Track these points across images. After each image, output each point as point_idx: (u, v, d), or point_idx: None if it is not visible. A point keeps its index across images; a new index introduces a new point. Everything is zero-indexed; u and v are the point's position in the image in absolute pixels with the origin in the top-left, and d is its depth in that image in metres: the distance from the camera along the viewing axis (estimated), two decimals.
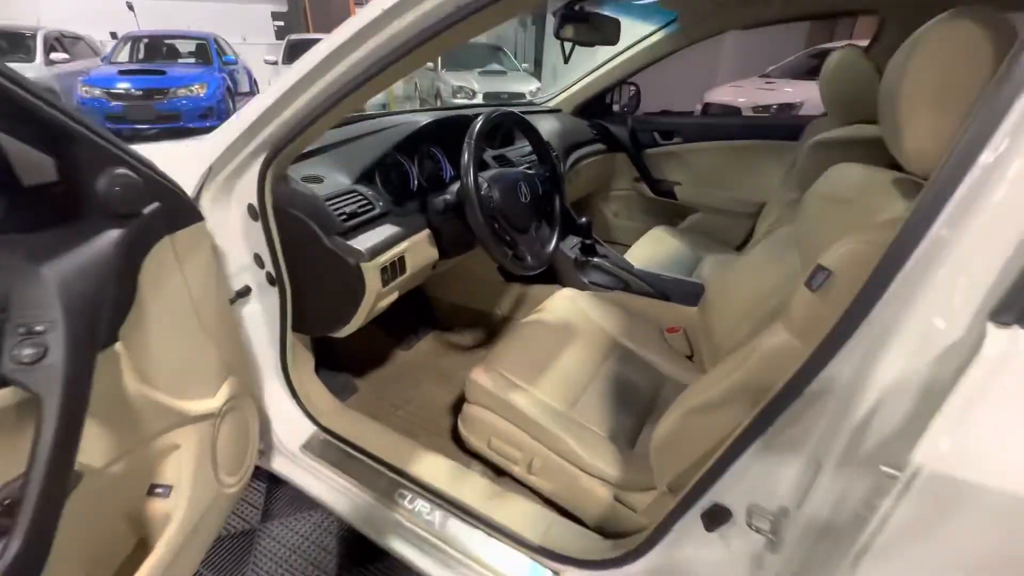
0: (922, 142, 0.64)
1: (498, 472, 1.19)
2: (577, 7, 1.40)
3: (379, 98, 7.50)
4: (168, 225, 0.80)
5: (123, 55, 6.77)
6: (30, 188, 0.59)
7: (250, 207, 1.00)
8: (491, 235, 1.13)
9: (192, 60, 7.00)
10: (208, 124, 5.97)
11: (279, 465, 1.24)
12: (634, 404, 1.16)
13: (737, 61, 8.47)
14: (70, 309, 0.57)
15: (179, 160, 1.00)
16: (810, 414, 0.55)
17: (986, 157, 0.41)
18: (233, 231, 1.05)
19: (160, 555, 0.79)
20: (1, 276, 0.57)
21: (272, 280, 1.08)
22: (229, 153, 0.96)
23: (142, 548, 0.84)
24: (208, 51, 6.95)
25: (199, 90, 6.03)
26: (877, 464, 0.46)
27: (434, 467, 1.13)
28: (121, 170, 0.68)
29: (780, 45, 8.28)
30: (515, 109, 1.41)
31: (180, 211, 0.84)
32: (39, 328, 0.55)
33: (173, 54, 7.19)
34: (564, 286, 1.56)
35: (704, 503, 0.69)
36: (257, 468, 1.25)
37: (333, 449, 1.20)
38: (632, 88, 2.29)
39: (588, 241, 1.58)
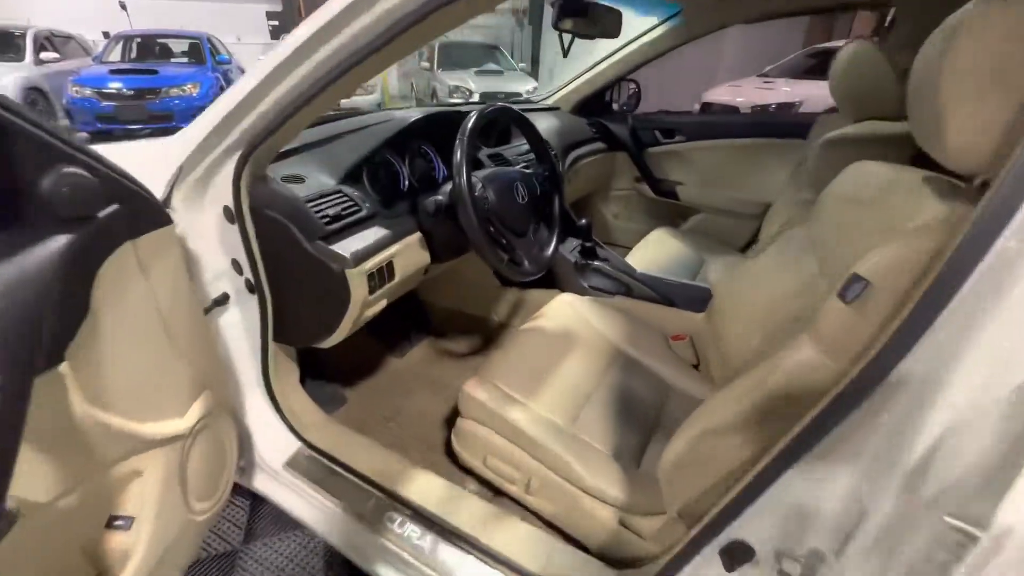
0: (969, 137, 0.57)
1: (495, 491, 1.12)
2: None
3: (375, 97, 7.44)
4: (130, 229, 0.73)
5: (115, 54, 6.67)
6: None
7: (226, 209, 0.93)
8: (486, 238, 1.06)
9: (185, 60, 6.91)
10: None
11: (261, 483, 1.16)
12: (638, 418, 1.09)
13: (734, 61, 8.43)
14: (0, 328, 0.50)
15: (147, 160, 0.92)
16: (851, 445, 0.48)
17: None
18: (209, 235, 0.97)
19: None
20: None
21: (251, 287, 1.01)
22: (200, 151, 0.88)
23: None
24: (201, 50, 6.86)
25: (192, 90, 5.94)
26: (941, 513, 0.39)
27: (426, 486, 1.06)
28: (71, 169, 0.61)
29: (778, 45, 8.26)
30: (512, 106, 1.33)
31: (144, 214, 0.76)
32: None
33: (166, 53, 7.09)
34: (563, 291, 1.49)
35: (723, 539, 0.62)
36: (239, 485, 1.18)
37: (318, 466, 1.13)
38: (632, 86, 2.22)
39: (588, 244, 1.51)
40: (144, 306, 0.77)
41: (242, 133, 0.85)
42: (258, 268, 0.98)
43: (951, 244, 0.42)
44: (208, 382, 0.93)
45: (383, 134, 1.23)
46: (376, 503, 1.04)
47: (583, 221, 1.49)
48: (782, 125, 1.97)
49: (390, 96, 9.61)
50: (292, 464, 1.13)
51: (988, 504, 0.36)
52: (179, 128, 0.94)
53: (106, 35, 7.59)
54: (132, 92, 5.72)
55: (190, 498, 0.85)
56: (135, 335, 0.74)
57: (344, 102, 6.80)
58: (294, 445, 1.16)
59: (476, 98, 6.74)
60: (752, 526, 0.58)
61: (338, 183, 1.09)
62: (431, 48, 8.32)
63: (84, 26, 8.54)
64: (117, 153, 1.05)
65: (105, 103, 5.64)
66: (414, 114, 1.33)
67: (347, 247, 0.98)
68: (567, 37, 1.34)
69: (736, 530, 0.60)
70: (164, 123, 5.75)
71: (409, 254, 1.13)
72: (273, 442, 1.16)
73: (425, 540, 0.96)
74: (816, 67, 6.44)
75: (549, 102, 2.19)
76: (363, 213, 1.06)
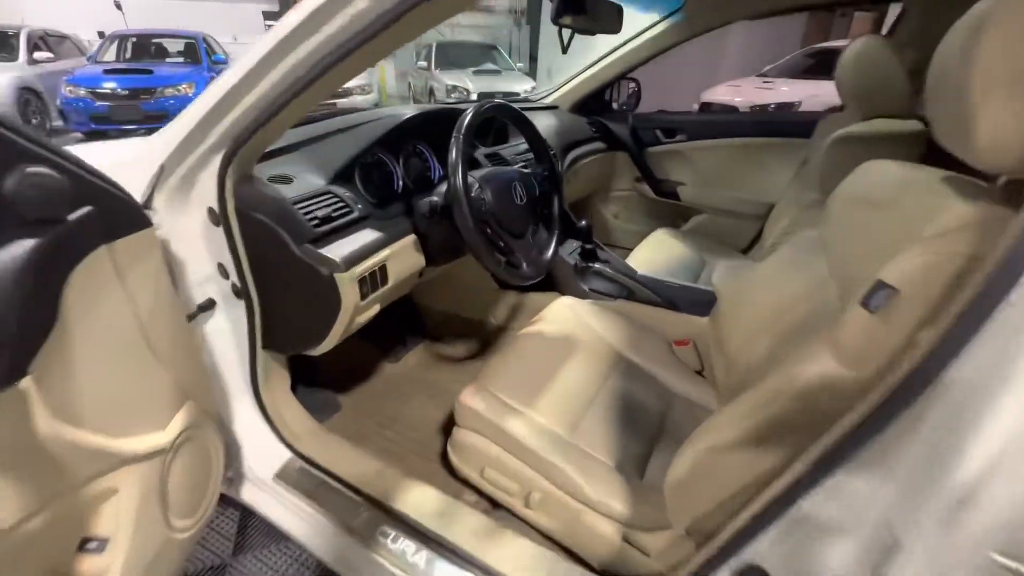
0: (999, 135, 0.53)
1: (493, 503, 1.08)
2: None
3: (372, 98, 7.40)
4: (105, 232, 0.69)
5: (109, 54, 6.61)
6: None
7: (210, 211, 0.89)
8: (483, 241, 1.02)
9: (181, 59, 6.86)
10: None
11: (249, 495, 1.12)
12: (641, 426, 1.05)
13: (731, 61, 8.42)
14: None
15: (126, 159, 0.88)
16: (883, 465, 0.43)
17: None
18: (193, 238, 0.93)
19: None
20: None
21: (238, 292, 0.97)
22: (183, 149, 0.84)
23: None
24: (197, 50, 6.80)
25: (187, 89, 5.89)
26: (988, 550, 0.35)
27: (421, 500, 1.02)
28: (36, 168, 0.57)
29: (775, 45, 8.25)
30: (509, 103, 1.29)
31: (121, 216, 0.72)
32: None
33: (161, 53, 7.04)
34: (563, 294, 1.45)
35: (736, 563, 0.58)
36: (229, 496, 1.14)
37: (309, 477, 1.09)
38: (632, 84, 2.18)
39: (588, 246, 1.47)
40: (120, 314, 0.72)
41: (225, 130, 0.80)
42: (244, 273, 0.94)
43: (990, 246, 0.39)
44: (192, 392, 0.89)
45: (376, 132, 1.18)
46: (368, 517, 1.00)
47: (583, 222, 1.45)
48: (785, 124, 1.93)
49: (387, 96, 9.57)
50: (282, 475, 1.09)
51: None
52: None
53: (101, 35, 7.56)
54: (127, 92, 5.68)
55: (171, 515, 0.81)
56: (110, 345, 0.70)
57: (341, 102, 6.75)
58: (284, 455, 1.12)
59: (474, 98, 6.70)
60: (768, 550, 0.54)
61: (328, 183, 1.05)
62: (428, 48, 8.29)
63: (79, 26, 8.50)
64: (94, 153, 1.01)
65: (99, 103, 5.59)
66: (408, 112, 1.28)
67: (337, 250, 0.94)
68: (567, 33, 1.30)
69: (751, 554, 0.56)
70: (159, 123, 5.59)
71: (403, 257, 1.09)
72: (262, 452, 1.11)
73: (420, 557, 0.92)
74: (814, 67, 6.47)
75: (548, 101, 2.15)
76: (354, 215, 1.02)
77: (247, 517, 1.32)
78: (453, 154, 0.98)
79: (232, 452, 1.11)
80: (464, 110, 1.07)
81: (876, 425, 0.43)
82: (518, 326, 1.69)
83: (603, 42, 2.00)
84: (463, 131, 0.99)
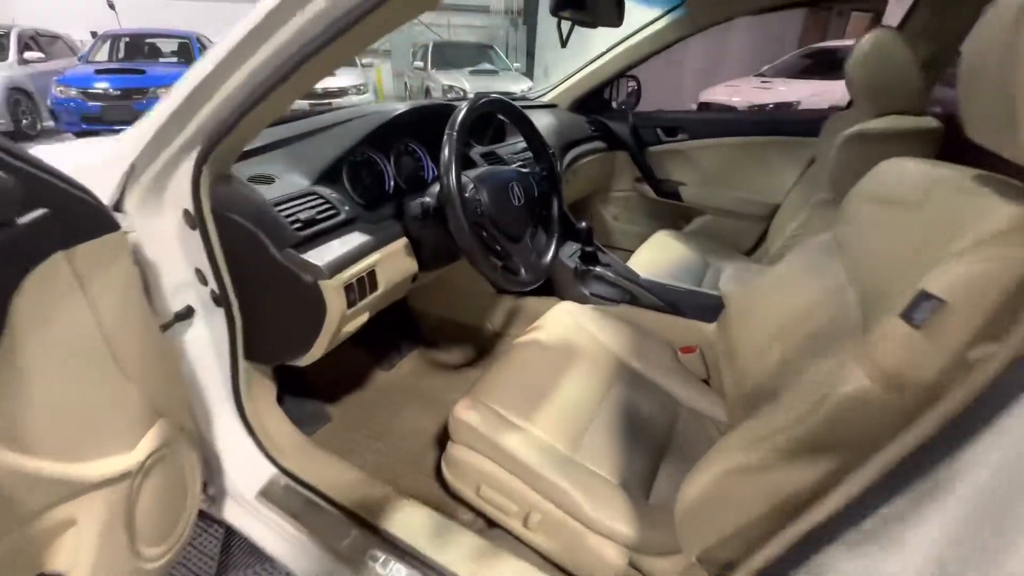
0: None
1: (490, 522, 1.02)
2: None
3: (367, 98, 7.34)
4: (63, 237, 0.63)
5: (101, 54, 6.52)
6: None
7: (186, 213, 0.83)
8: (478, 244, 0.95)
9: (174, 59, 6.79)
10: None
11: (231, 514, 1.06)
12: (647, 440, 0.99)
13: (727, 61, 8.41)
14: None
15: (94, 159, 0.82)
16: (939, 511, 0.38)
17: None
18: (168, 242, 0.87)
19: None
20: None
21: (217, 300, 0.90)
22: (153, 147, 0.78)
23: None
24: (191, 50, 6.73)
25: None
26: None
27: (413, 519, 0.96)
28: None
29: (773, 45, 8.24)
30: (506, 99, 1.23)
31: (83, 219, 0.66)
32: None
33: (155, 53, 6.96)
34: (563, 299, 1.39)
35: None
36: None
37: (294, 496, 1.02)
38: (632, 82, 2.12)
39: (589, 248, 1.41)
40: (81, 326, 0.66)
41: (199, 127, 0.74)
42: (223, 279, 0.87)
43: None
44: (166, 407, 0.83)
45: (364, 129, 1.12)
46: (356, 538, 0.94)
47: (583, 224, 1.39)
48: (790, 122, 1.88)
49: (384, 96, 9.51)
50: (266, 493, 1.03)
51: None
52: None
53: (94, 35, 7.45)
54: (119, 92, 5.60)
55: (140, 544, 0.75)
56: (68, 360, 0.64)
57: (337, 102, 6.69)
58: (268, 471, 1.06)
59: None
60: None
61: (313, 184, 0.99)
62: (425, 48, 8.24)
63: (71, 26, 8.40)
64: (58, 153, 0.95)
65: (91, 103, 5.51)
66: (399, 107, 1.22)
67: (321, 255, 0.87)
68: (566, 27, 1.25)
69: None
70: None
71: (394, 262, 1.02)
72: (245, 469, 1.05)
73: None
74: (812, 67, 6.49)
75: (546, 99, 2.09)
76: (341, 217, 0.96)
77: (231, 535, 1.25)
78: (446, 152, 0.91)
79: (213, 469, 1.05)
80: (459, 106, 1.02)
81: (930, 458, 0.38)
82: (516, 332, 1.63)
83: (602, 41, 1.96)
84: (456, 127, 0.93)
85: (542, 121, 1.77)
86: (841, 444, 0.52)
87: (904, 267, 0.66)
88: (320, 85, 6.50)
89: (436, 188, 1.05)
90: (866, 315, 0.71)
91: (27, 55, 6.20)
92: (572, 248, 1.45)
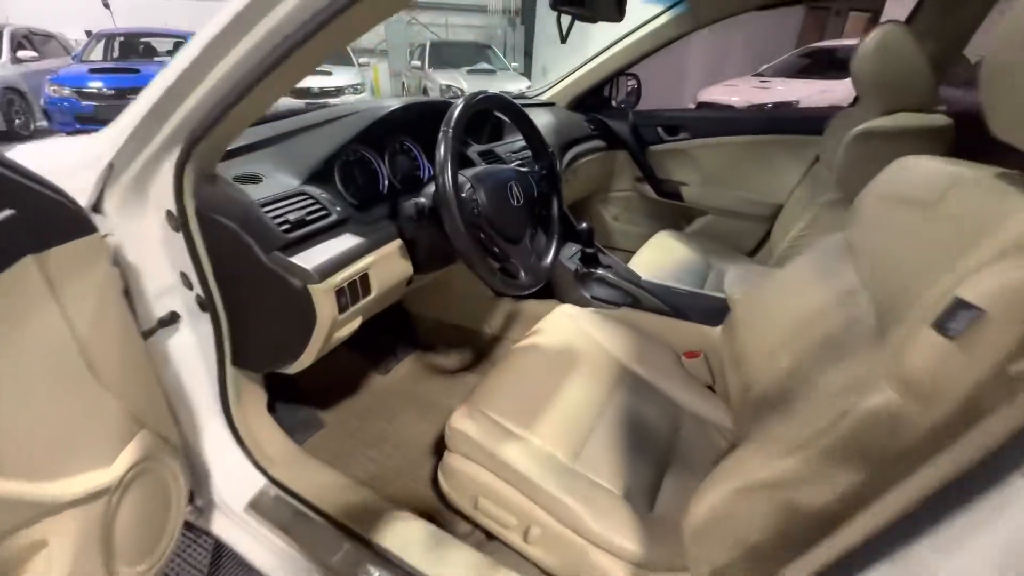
0: None
1: (488, 535, 0.98)
2: None
3: (365, 97, 7.29)
4: (34, 241, 0.59)
5: (96, 53, 6.46)
6: None
7: (169, 214, 0.79)
8: (475, 247, 0.92)
9: (169, 59, 6.70)
10: None
11: (219, 527, 1.02)
12: (650, 448, 0.95)
13: (724, 62, 8.41)
14: None
15: (70, 158, 0.78)
16: (980, 540, 0.34)
17: None
18: (151, 244, 0.83)
19: None
20: None
21: (203, 305, 0.87)
22: (133, 145, 0.74)
23: None
24: None
25: None
26: None
27: (408, 533, 0.92)
28: None
29: (770, 45, 8.24)
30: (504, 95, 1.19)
31: (55, 221, 0.63)
32: None
33: (150, 52, 6.89)
34: (563, 302, 1.35)
35: None
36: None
37: (285, 508, 0.99)
38: (632, 81, 2.09)
39: (589, 250, 1.38)
40: (54, 334, 0.62)
41: (180, 123, 0.71)
42: (209, 283, 0.84)
43: None
44: (148, 418, 0.79)
45: (357, 127, 1.08)
46: (348, 552, 0.90)
47: (583, 225, 1.35)
48: (793, 120, 1.84)
49: (381, 96, 9.46)
50: (255, 505, 0.99)
51: None
52: None
53: (89, 34, 7.40)
54: (113, 92, 5.53)
55: (118, 564, 0.71)
56: (38, 371, 0.60)
57: (333, 102, 6.64)
58: (258, 482, 1.02)
59: None
60: None
61: (303, 183, 0.95)
62: (422, 47, 8.21)
63: (66, 25, 8.34)
64: (33, 152, 0.91)
65: (85, 103, 5.44)
66: (393, 103, 1.18)
67: (311, 258, 0.83)
68: (566, 22, 1.21)
69: None
70: None
71: (388, 265, 0.99)
72: (234, 479, 1.01)
73: None
74: (811, 66, 6.50)
75: (544, 97, 2.05)
76: (332, 218, 0.92)
77: (221, 547, 1.21)
78: (441, 150, 0.88)
79: (201, 479, 1.01)
80: (455, 103, 0.98)
81: (974, 484, 0.34)
82: (515, 335, 1.59)
83: (603, 37, 1.92)
84: (452, 124, 0.89)
85: (541, 119, 1.73)
86: (865, 460, 0.49)
87: (922, 271, 0.62)
88: (316, 84, 6.46)
89: (432, 188, 1.01)
90: (881, 320, 0.67)
91: (20, 54, 6.14)
92: (572, 250, 1.41)
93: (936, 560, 0.36)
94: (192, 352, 0.93)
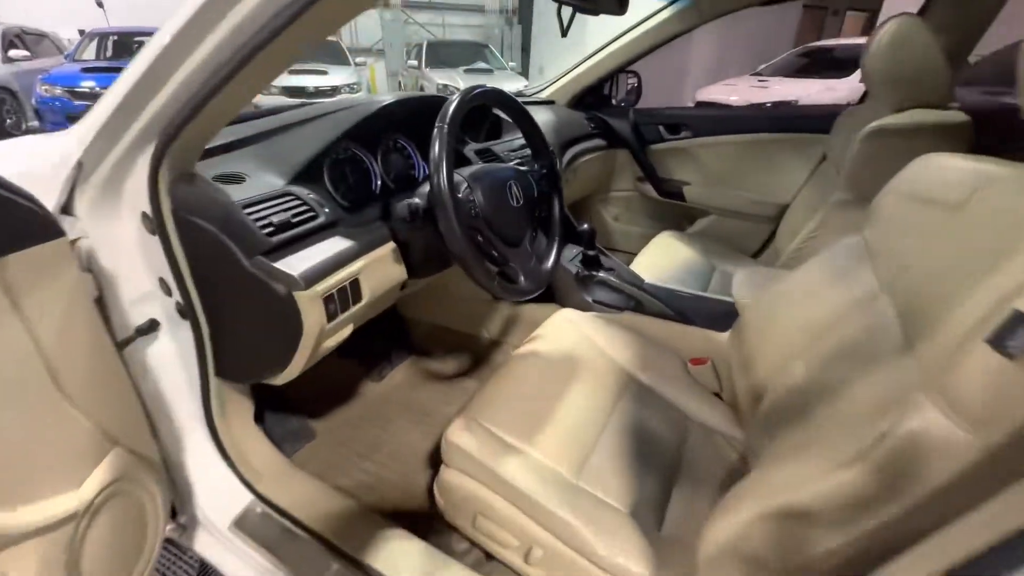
0: None
1: (488, 554, 0.93)
2: None
3: (361, 96, 7.24)
4: None
5: (88, 53, 6.39)
6: None
7: (144, 216, 0.74)
8: (472, 250, 0.86)
9: None
10: None
11: (203, 546, 0.97)
12: (657, 460, 0.91)
13: (720, 62, 8.39)
14: None
15: (35, 158, 0.73)
16: None
17: None
18: (127, 248, 0.78)
19: None
20: None
21: (184, 312, 0.81)
22: (103, 142, 0.69)
23: None
24: None
25: None
26: None
27: (402, 552, 0.87)
28: None
29: (767, 45, 8.23)
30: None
31: (14, 224, 0.57)
32: None
33: None
34: (564, 306, 1.30)
35: None
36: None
37: (272, 526, 0.94)
38: (633, 78, 2.04)
39: (591, 252, 1.33)
40: (12, 346, 0.57)
41: (153, 117, 0.65)
42: (188, 289, 0.78)
43: None
44: (123, 434, 0.74)
45: (347, 123, 1.02)
46: (338, 574, 0.85)
47: (585, 226, 1.30)
48: (798, 118, 1.80)
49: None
50: (241, 524, 0.94)
51: None
52: None
53: (82, 33, 7.33)
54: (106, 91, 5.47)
55: None
56: None
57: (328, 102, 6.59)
58: (244, 499, 0.97)
59: None
60: None
61: (288, 183, 0.90)
62: (419, 47, 8.16)
63: (59, 24, 8.25)
64: None
65: (78, 102, 5.38)
66: (386, 98, 1.13)
67: (297, 263, 0.78)
68: (566, 15, 1.16)
69: None
70: None
71: (380, 269, 0.93)
72: (219, 496, 0.96)
73: None
74: (809, 66, 6.50)
75: (544, 95, 2.01)
76: (320, 220, 0.86)
77: (208, 564, 1.16)
78: (436, 147, 0.82)
79: (184, 495, 0.96)
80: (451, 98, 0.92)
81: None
82: (514, 340, 1.54)
83: (598, 39, 1.88)
84: (448, 119, 0.84)
85: (540, 117, 1.67)
86: (906, 489, 0.44)
87: (955, 275, 0.57)
88: (312, 84, 6.40)
89: (426, 188, 0.96)
90: (907, 329, 0.63)
91: (12, 53, 6.06)
92: (573, 252, 1.37)
93: None
94: (173, 361, 0.88)
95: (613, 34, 1.83)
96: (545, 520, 0.79)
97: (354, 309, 0.88)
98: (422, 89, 7.44)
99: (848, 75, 5.67)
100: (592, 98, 2.03)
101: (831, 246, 0.91)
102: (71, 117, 5.38)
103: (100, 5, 8.90)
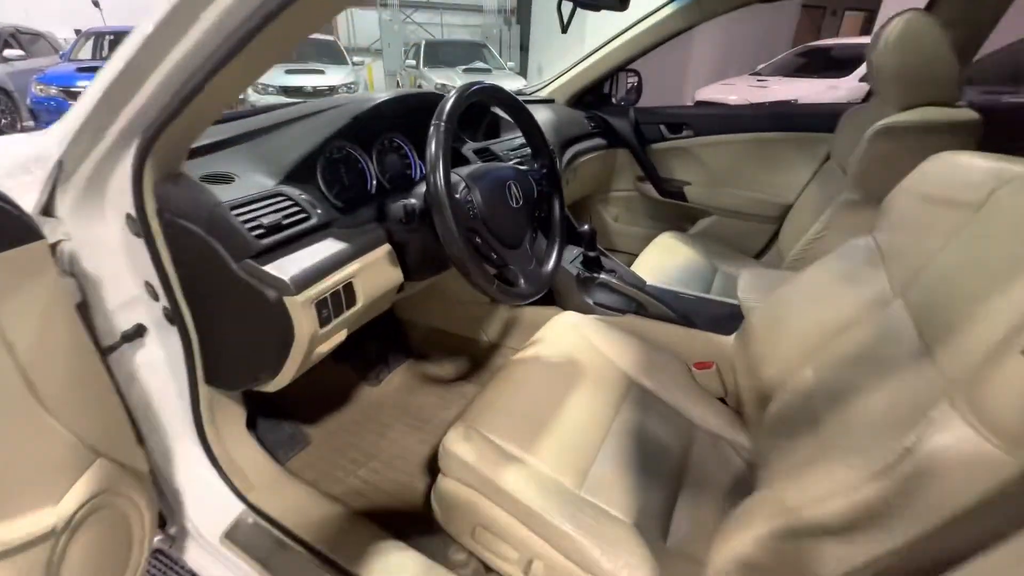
0: None
1: (487, 566, 0.90)
2: None
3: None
4: None
5: (84, 52, 6.35)
6: None
7: (129, 218, 0.71)
8: (470, 252, 0.84)
9: None
10: None
11: (193, 558, 0.94)
12: (661, 468, 0.88)
13: (718, 63, 8.39)
14: None
15: (10, 157, 0.70)
16: None
17: None
18: (112, 251, 0.75)
19: None
20: None
21: (171, 317, 0.78)
22: (83, 140, 0.66)
23: None
24: None
25: None
26: None
27: (398, 565, 0.85)
28: None
29: (766, 45, 8.23)
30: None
31: None
32: None
33: None
34: (564, 308, 1.28)
35: None
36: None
37: (264, 537, 0.91)
38: (633, 77, 2.01)
39: (591, 253, 1.30)
40: None
41: (135, 114, 0.63)
42: (175, 294, 0.75)
43: None
44: (107, 444, 0.71)
45: (342, 120, 0.99)
46: None
47: (585, 227, 1.27)
48: (801, 117, 1.77)
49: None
50: (232, 535, 0.91)
51: None
52: None
53: (78, 33, 7.29)
54: None
55: None
56: None
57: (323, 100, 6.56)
58: (235, 509, 0.94)
59: None
60: None
61: (279, 183, 0.86)
62: (417, 47, 8.13)
63: (55, 24, 8.22)
64: None
65: (73, 102, 5.34)
66: (381, 96, 1.10)
67: (287, 267, 0.75)
68: (567, 10, 1.13)
69: None
70: None
71: (375, 272, 0.90)
72: (209, 506, 0.93)
73: None
74: (807, 65, 6.51)
75: (543, 94, 1.98)
76: (313, 222, 0.83)
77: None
78: (433, 146, 0.79)
79: (173, 505, 0.93)
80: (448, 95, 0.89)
81: None
82: (513, 343, 1.51)
83: (597, 38, 1.85)
84: (445, 117, 0.81)
85: (539, 116, 1.64)
86: (931, 509, 0.41)
87: (977, 280, 0.55)
88: (310, 84, 6.37)
89: (423, 188, 0.93)
90: (925, 334, 0.60)
91: (7, 52, 6.04)
92: (574, 253, 1.34)
93: None
94: (161, 368, 0.85)
95: (612, 32, 1.80)
96: (546, 532, 0.76)
97: (348, 314, 0.85)
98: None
99: (849, 74, 5.66)
100: (592, 97, 2.00)
101: (840, 247, 0.89)
102: None
103: (96, 5, 8.86)
